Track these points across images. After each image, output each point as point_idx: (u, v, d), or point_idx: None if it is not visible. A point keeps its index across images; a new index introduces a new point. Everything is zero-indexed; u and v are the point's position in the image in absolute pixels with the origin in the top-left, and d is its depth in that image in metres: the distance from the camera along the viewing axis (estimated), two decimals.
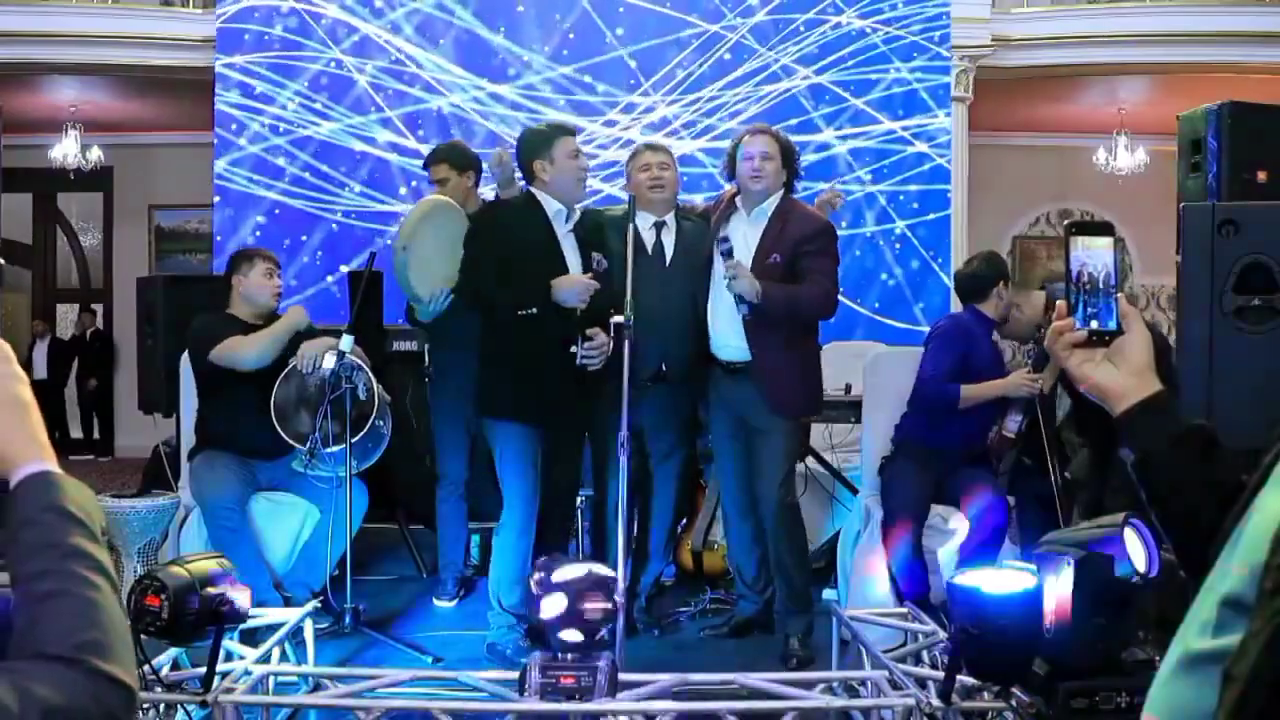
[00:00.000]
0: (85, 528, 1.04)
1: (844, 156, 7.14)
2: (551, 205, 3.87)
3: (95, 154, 9.44)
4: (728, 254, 3.77)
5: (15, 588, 1.01)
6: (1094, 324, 1.28)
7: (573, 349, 3.78)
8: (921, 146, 7.10)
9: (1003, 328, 4.39)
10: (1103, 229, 1.32)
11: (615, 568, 3.19)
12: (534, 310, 3.73)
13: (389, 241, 6.56)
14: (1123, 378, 1.27)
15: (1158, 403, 1.25)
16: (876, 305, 7.15)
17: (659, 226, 4.19)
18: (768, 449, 3.98)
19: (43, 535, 1.02)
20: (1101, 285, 1.29)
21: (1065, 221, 1.46)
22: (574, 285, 3.76)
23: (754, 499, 4.06)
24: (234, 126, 7.00)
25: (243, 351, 4.12)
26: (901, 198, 7.14)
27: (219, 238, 7.03)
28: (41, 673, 0.93)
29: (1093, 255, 1.30)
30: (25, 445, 1.06)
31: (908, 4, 7.12)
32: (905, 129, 7.11)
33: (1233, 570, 0.95)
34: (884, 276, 7.18)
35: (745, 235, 3.92)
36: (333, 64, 7.00)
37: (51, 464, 1.07)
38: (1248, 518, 0.99)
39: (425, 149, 6.82)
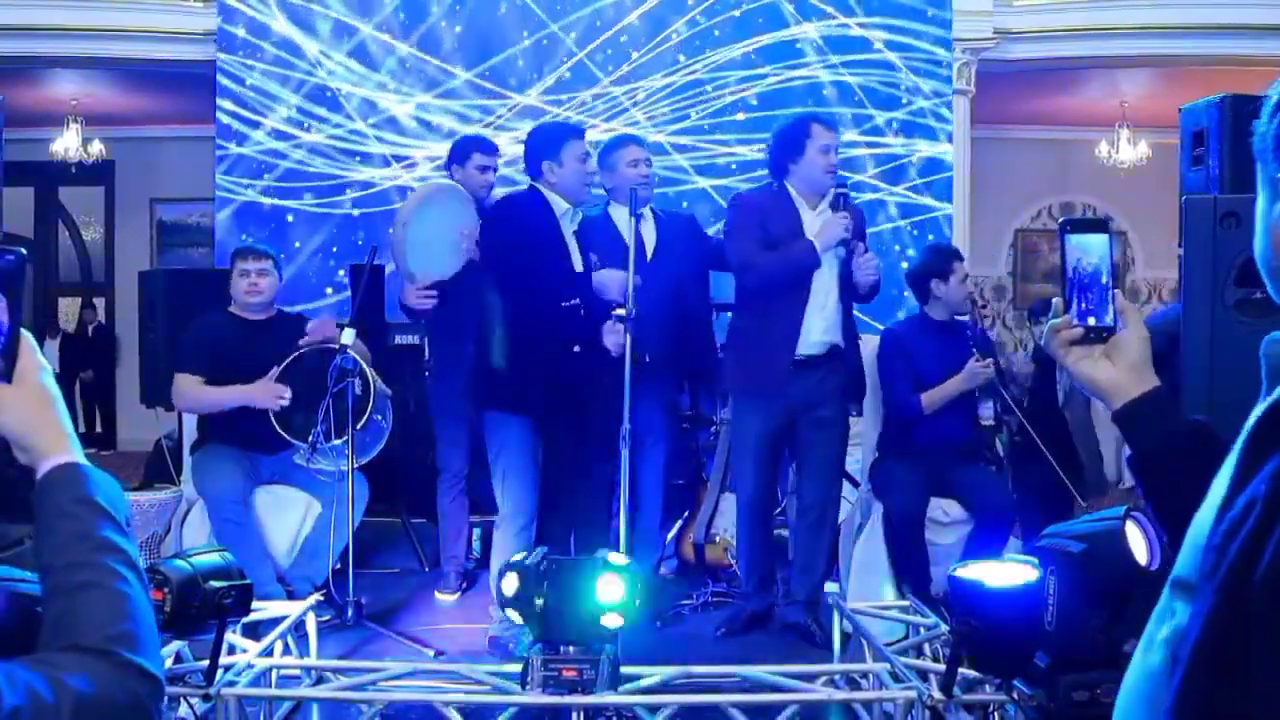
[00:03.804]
0: (114, 520, 1.05)
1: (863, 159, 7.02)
2: (560, 205, 3.89)
3: (97, 147, 9.43)
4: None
5: (45, 578, 1.02)
6: (1091, 320, 1.28)
7: (575, 348, 3.79)
8: (922, 151, 7.03)
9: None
10: (1097, 225, 1.31)
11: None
12: (576, 300, 3.77)
13: (390, 231, 6.59)
14: (1120, 374, 1.26)
15: (1155, 399, 1.25)
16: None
17: (638, 219, 4.24)
18: (836, 439, 4.08)
19: (74, 527, 1.03)
20: (1097, 281, 1.28)
21: (1060, 219, 1.45)
22: (618, 278, 3.79)
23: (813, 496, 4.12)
24: (234, 124, 6.99)
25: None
26: (909, 227, 7.05)
27: (220, 213, 7.02)
28: (74, 664, 0.94)
29: (1087, 251, 1.29)
30: (54, 437, 1.07)
31: (909, 34, 7.04)
32: (908, 147, 7.03)
33: (1181, 553, 0.96)
34: (897, 309, 7.05)
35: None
36: (327, 92, 6.99)
37: (78, 455, 1.08)
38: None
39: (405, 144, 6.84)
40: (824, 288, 3.96)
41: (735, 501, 4.29)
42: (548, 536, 3.85)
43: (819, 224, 3.95)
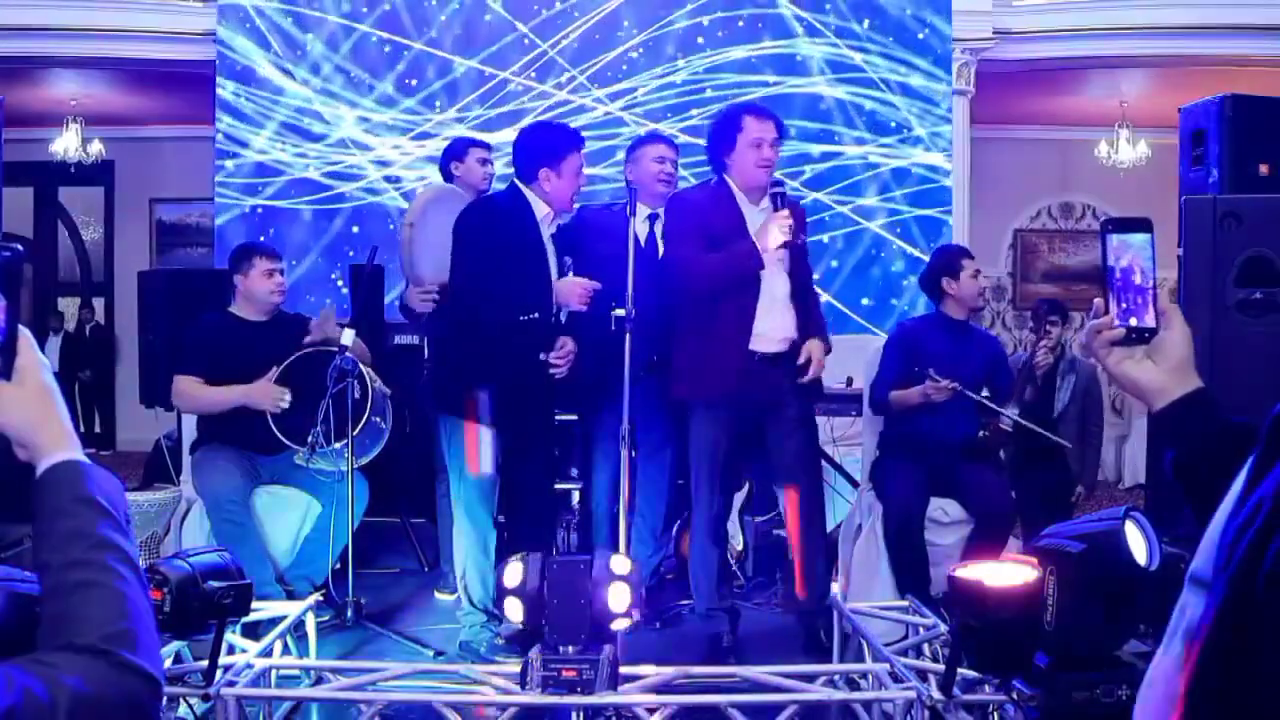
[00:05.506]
0: (113, 518, 1.05)
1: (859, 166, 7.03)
2: (540, 208, 3.83)
3: (96, 148, 9.43)
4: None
5: (43, 576, 1.02)
6: (1133, 321, 1.26)
7: (542, 355, 3.75)
8: (919, 159, 7.04)
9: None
10: (1139, 224, 1.29)
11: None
12: (535, 315, 3.70)
13: (391, 227, 6.59)
14: (1162, 375, 1.25)
15: (1197, 400, 1.24)
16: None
17: (651, 219, 4.22)
18: (811, 437, 4.01)
19: (72, 525, 1.03)
20: (1138, 282, 1.26)
21: (1102, 219, 1.43)
22: (576, 289, 3.73)
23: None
24: (234, 127, 7.01)
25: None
26: (905, 242, 7.05)
27: (220, 219, 7.06)
28: (71, 663, 0.94)
29: (1129, 251, 1.27)
30: (54, 434, 1.07)
31: (912, 68, 7.04)
32: (905, 160, 7.04)
33: (1199, 549, 0.97)
34: (896, 317, 7.04)
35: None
36: (324, 112, 7.02)
37: (78, 452, 1.07)
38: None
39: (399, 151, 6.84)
40: (774, 286, 3.81)
41: (694, 516, 4.03)
42: (520, 540, 3.80)
43: (762, 222, 3.79)
